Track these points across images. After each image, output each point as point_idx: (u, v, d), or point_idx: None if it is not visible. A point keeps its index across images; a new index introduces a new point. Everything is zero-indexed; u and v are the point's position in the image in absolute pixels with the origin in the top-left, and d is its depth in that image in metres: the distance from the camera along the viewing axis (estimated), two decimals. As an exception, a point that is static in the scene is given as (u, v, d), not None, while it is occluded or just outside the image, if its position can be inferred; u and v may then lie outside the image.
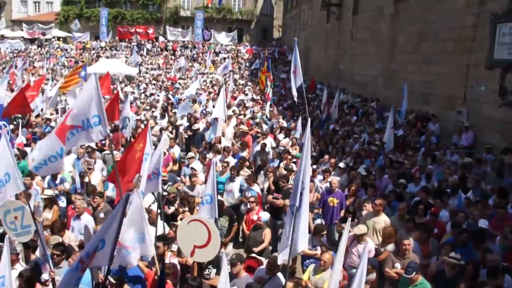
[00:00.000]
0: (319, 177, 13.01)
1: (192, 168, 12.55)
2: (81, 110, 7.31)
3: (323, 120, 20.04)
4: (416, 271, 7.41)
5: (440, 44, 17.98)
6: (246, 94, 30.27)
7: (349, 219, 6.96)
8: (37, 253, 8.44)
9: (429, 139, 15.92)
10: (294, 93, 15.83)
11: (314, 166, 13.54)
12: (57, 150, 7.46)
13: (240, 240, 11.61)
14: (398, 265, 8.38)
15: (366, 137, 17.05)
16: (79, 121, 7.31)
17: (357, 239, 9.03)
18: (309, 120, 7.89)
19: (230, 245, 10.75)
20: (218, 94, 20.23)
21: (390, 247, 8.94)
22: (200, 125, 18.76)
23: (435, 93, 18.28)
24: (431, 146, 15.15)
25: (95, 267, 6.77)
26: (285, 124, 19.62)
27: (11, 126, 16.41)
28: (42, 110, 21.08)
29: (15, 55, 46.67)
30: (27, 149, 14.34)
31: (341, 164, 13.65)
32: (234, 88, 31.17)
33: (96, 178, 12.35)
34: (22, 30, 54.20)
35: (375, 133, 17.08)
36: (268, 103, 22.68)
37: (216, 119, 16.09)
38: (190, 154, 14.53)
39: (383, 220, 9.75)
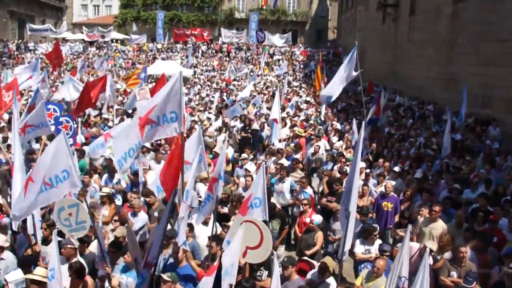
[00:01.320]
0: (373, 181, 12.81)
1: (246, 170, 12.61)
2: (158, 106, 7.40)
3: (369, 120, 19.58)
4: (475, 281, 7.17)
5: (501, 45, 17.38)
6: (300, 96, 30.18)
7: (409, 226, 6.74)
8: (91, 248, 8.70)
9: (489, 144, 15.39)
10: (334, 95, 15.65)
11: (368, 170, 13.35)
12: (136, 143, 7.62)
13: (292, 242, 11.58)
14: (454, 274, 8.15)
15: (422, 141, 16.66)
16: (155, 116, 7.41)
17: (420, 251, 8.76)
18: (364, 123, 7.77)
19: (282, 248, 10.73)
20: (272, 96, 20.26)
21: (447, 255, 8.70)
22: (255, 127, 18.83)
23: (495, 96, 17.67)
24: (491, 151, 14.64)
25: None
26: (339, 127, 19.43)
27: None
28: (101, 110, 21.69)
29: (75, 57, 48.22)
30: (86, 148, 14.80)
31: (396, 168, 13.38)
32: (288, 90, 31.14)
33: (151, 177, 12.58)
34: (82, 33, 55.95)
35: (431, 137, 16.66)
36: (323, 106, 22.53)
37: (275, 120, 16.11)
38: (244, 155, 14.60)
39: (440, 226, 9.48)
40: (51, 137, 13.07)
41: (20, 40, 54.24)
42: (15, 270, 7.75)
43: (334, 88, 15.35)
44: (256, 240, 7.43)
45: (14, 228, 9.19)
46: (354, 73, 14.52)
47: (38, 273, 7.11)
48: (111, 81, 21.60)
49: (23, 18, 56.63)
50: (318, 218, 10.12)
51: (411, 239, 8.76)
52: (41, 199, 7.25)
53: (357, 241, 9.34)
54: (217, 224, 9.49)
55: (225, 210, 10.86)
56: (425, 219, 9.81)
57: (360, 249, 9.25)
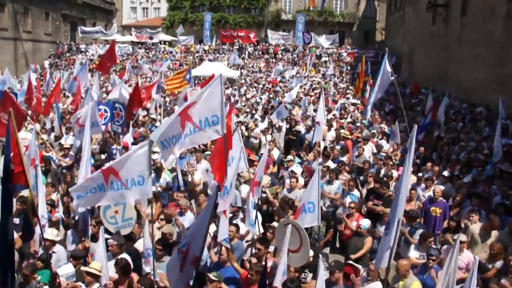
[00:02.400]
0: (422, 185, 12.54)
1: (292, 171, 12.57)
2: (201, 108, 7.44)
3: (424, 125, 19.18)
4: None
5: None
6: (347, 98, 29.89)
7: (460, 234, 6.55)
8: (137, 245, 8.83)
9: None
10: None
11: (420, 174, 13.07)
12: (178, 133, 7.68)
13: (337, 246, 11.46)
14: (504, 281, 7.88)
15: (473, 145, 16.20)
16: (197, 119, 7.44)
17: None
18: (416, 126, 7.60)
19: (327, 250, 10.65)
20: (318, 98, 20.12)
21: (499, 264, 8.42)
22: (301, 128, 18.75)
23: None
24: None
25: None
26: (386, 129, 19.12)
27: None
28: (148, 110, 22.04)
29: (124, 58, 49.22)
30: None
31: (445, 173, 13.05)
32: (334, 92, 30.89)
33: (197, 177, 12.71)
34: (131, 35, 57.07)
35: (483, 141, 16.18)
36: (369, 108, 22.21)
37: (318, 123, 16.01)
38: (289, 157, 14.56)
39: (493, 234, 9.20)
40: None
41: (72, 42, 55.76)
42: (66, 264, 7.99)
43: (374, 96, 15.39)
44: (296, 243, 7.41)
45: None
46: (390, 78, 14.49)
47: (94, 266, 7.33)
48: (158, 82, 21.99)
49: (75, 21, 58.19)
50: (366, 223, 9.97)
51: (462, 248, 8.53)
52: (110, 196, 7.39)
53: (412, 246, 9.21)
54: (260, 224, 9.49)
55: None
56: (476, 225, 9.53)
57: (414, 254, 9.10)
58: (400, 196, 6.55)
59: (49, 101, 19.55)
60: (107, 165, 7.60)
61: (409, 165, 6.38)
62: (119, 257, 7.92)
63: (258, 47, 55.19)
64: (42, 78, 38.07)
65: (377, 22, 62.74)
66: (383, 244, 6.93)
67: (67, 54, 51.38)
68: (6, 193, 6.74)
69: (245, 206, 9.16)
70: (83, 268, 7.54)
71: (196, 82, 30.59)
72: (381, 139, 17.63)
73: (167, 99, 27.95)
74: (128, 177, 7.27)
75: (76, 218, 9.78)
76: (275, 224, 9.29)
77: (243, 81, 39.68)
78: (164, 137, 7.65)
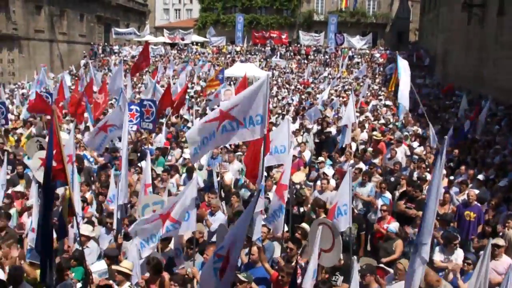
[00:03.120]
0: (455, 188, 12.31)
1: (323, 173, 12.51)
2: (246, 106, 7.43)
3: (465, 131, 18.68)
4: None
5: None
6: (380, 100, 29.58)
7: (497, 238, 6.40)
8: (171, 245, 8.91)
9: None
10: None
11: (452, 177, 12.84)
12: (210, 133, 7.69)
13: (368, 249, 11.36)
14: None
15: (510, 148, 15.84)
16: (241, 117, 7.45)
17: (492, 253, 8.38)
18: (451, 128, 7.43)
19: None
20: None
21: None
22: (332, 130, 18.64)
23: None
24: None
25: None
26: (420, 132, 18.85)
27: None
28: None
29: (157, 59, 49.75)
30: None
31: (480, 176, 12.77)
32: (367, 94, 30.61)
33: (228, 178, 12.76)
34: (163, 36, 57.64)
35: (520, 144, 15.83)
36: (401, 110, 21.92)
37: (346, 125, 15.91)
38: (320, 158, 14.48)
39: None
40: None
41: (106, 43, 56.62)
42: (99, 261, 8.12)
43: (404, 96, 15.23)
44: (329, 243, 7.36)
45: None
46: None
47: (126, 265, 7.42)
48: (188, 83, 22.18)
49: (109, 22, 59.09)
50: (393, 226, 9.86)
51: (499, 253, 8.35)
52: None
53: (437, 249, 9.03)
54: (285, 224, 9.46)
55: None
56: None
57: (439, 257, 8.93)
58: (431, 198, 6.40)
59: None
60: (164, 211, 7.82)
61: (441, 167, 6.25)
62: (151, 256, 8.02)
63: (290, 48, 55.11)
64: (77, 78, 38.72)
65: (411, 22, 61.95)
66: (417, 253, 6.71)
67: (101, 55, 52.17)
68: (48, 190, 6.87)
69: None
70: (114, 267, 7.63)
71: (229, 83, 30.75)
72: (413, 141, 17.39)
73: (199, 99, 28.12)
74: (178, 213, 7.62)
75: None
76: (304, 225, 9.25)
77: (274, 82, 39.63)
78: (197, 143, 7.74)
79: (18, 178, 12.33)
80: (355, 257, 6.86)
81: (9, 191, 11.39)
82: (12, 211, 10.46)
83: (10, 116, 19.90)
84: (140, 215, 8.93)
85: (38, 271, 7.31)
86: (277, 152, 9.62)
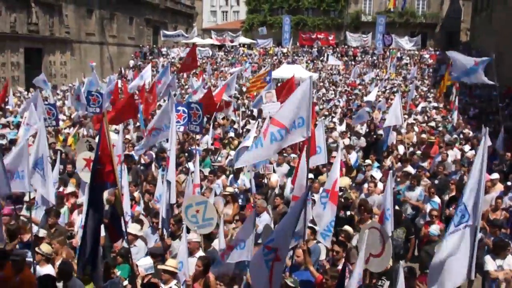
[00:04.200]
0: (510, 194, 11.87)
1: (371, 176, 12.32)
2: (290, 111, 7.39)
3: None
4: None
5: None
6: (429, 102, 28.99)
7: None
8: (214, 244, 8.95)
9: None
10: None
11: (510, 183, 12.40)
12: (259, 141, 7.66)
13: (416, 254, 11.11)
14: None
15: None
16: (287, 123, 7.40)
17: None
18: (502, 130, 7.20)
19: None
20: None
21: None
22: (381, 132, 18.33)
23: None
24: None
25: None
26: (471, 134, 18.34)
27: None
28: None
29: (204, 61, 50.28)
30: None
31: (535, 181, 12.33)
32: (416, 95, 30.05)
33: (274, 179, 12.73)
34: (211, 38, 58.16)
35: None
36: (455, 112, 21.41)
37: (389, 127, 15.63)
38: (368, 161, 14.28)
39: None
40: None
41: (154, 46, 57.58)
42: (145, 257, 8.24)
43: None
44: (378, 248, 7.23)
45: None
46: None
47: (171, 264, 7.51)
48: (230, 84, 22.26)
49: (158, 25, 60.06)
50: (435, 228, 9.59)
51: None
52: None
53: (488, 257, 8.74)
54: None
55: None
56: None
57: (492, 266, 8.64)
58: (476, 201, 6.19)
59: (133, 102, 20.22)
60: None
61: (483, 168, 6.04)
62: (197, 254, 8.08)
63: (337, 49, 54.70)
64: (125, 79, 39.56)
65: (462, 22, 60.36)
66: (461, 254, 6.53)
67: (149, 57, 53.09)
68: (94, 190, 7.01)
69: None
70: (160, 266, 7.72)
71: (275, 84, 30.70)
72: (464, 144, 16.93)
73: (246, 101, 28.24)
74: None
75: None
76: (347, 228, 9.14)
77: (321, 83, 39.40)
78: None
79: (69, 177, 12.63)
80: (401, 262, 6.73)
81: (61, 189, 11.70)
82: (63, 209, 10.71)
83: (61, 116, 20.48)
84: (183, 214, 9.01)
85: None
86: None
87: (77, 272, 7.23)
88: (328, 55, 48.40)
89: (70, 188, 11.69)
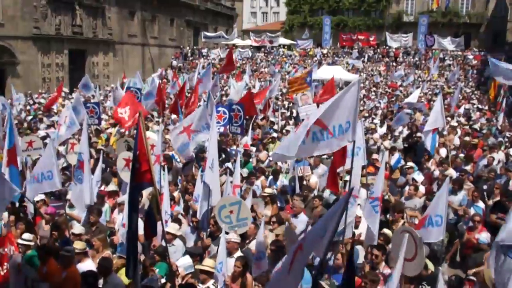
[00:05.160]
0: None
1: (413, 179, 12.10)
2: (336, 113, 7.28)
3: None
4: None
5: None
6: (473, 104, 28.33)
7: None
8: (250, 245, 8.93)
9: None
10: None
11: None
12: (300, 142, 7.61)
13: (458, 260, 10.84)
14: None
15: None
16: (331, 125, 7.29)
17: None
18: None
19: (445, 264, 10.11)
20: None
21: None
22: (422, 135, 17.98)
23: None
24: None
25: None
26: (517, 138, 17.84)
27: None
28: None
29: (244, 62, 50.45)
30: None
31: None
32: (459, 97, 29.41)
33: (313, 181, 12.65)
34: (251, 39, 58.34)
35: None
36: (501, 114, 20.83)
37: (433, 130, 15.29)
38: (410, 164, 14.02)
39: None
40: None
41: (195, 47, 58.13)
42: (184, 256, 8.29)
43: None
44: (411, 252, 7.10)
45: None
46: None
47: (207, 264, 7.54)
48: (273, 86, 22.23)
49: (198, 26, 60.63)
50: (484, 237, 9.33)
51: None
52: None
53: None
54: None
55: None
56: None
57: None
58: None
59: (175, 103, 20.45)
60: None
61: None
62: (235, 255, 8.09)
63: (378, 50, 54.04)
64: (164, 80, 40.03)
65: (508, 21, 58.58)
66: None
67: (190, 58, 53.63)
68: (134, 191, 7.09)
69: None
70: (197, 266, 7.76)
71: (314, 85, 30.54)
72: (510, 147, 16.45)
73: (285, 102, 28.18)
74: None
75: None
76: (386, 231, 8.99)
77: (362, 85, 39.00)
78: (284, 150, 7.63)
79: (111, 176, 12.83)
80: (442, 267, 6.58)
81: (102, 188, 11.91)
82: (105, 207, 10.89)
83: (103, 116, 20.86)
84: (216, 215, 9.05)
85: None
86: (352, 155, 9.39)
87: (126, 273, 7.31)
88: (357, 57, 47.72)
89: (111, 187, 11.87)
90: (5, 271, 8.54)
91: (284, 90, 31.71)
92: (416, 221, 9.83)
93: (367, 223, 8.54)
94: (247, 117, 19.12)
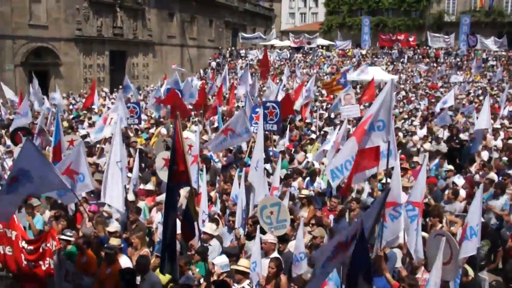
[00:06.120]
0: None
1: (453, 183, 11.86)
2: (372, 113, 7.22)
3: None
4: None
5: None
6: (517, 106, 27.50)
7: None
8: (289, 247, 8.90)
9: None
10: None
11: None
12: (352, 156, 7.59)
13: (500, 266, 10.57)
14: None
15: None
16: (366, 125, 7.24)
17: None
18: None
19: (485, 271, 9.87)
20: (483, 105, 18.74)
21: None
22: (464, 137, 17.62)
23: None
24: None
25: None
26: None
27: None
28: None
29: (282, 63, 50.38)
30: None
31: None
32: (504, 99, 28.63)
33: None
34: (289, 40, 58.24)
35: None
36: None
37: (479, 131, 14.96)
38: (449, 167, 13.75)
39: None
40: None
41: (233, 48, 58.39)
42: (221, 255, 8.34)
43: None
44: (446, 256, 6.96)
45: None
46: None
47: (242, 264, 7.56)
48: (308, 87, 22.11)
49: (236, 27, 60.92)
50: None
51: None
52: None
53: None
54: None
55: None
56: None
57: None
58: None
59: (214, 104, 20.60)
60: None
61: None
62: (272, 255, 8.08)
63: (418, 50, 53.16)
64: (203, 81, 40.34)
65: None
66: None
67: (228, 59, 53.90)
68: (171, 191, 7.16)
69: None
70: (232, 266, 7.78)
71: (353, 86, 30.29)
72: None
73: (323, 104, 28.01)
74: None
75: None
76: (424, 234, 8.83)
77: (402, 86, 38.42)
78: (335, 165, 7.60)
79: (150, 175, 12.98)
80: (483, 273, 6.42)
81: (141, 187, 12.06)
82: (142, 205, 11.01)
83: (143, 116, 21.14)
84: (258, 215, 9.07)
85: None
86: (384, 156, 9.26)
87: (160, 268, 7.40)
88: (397, 57, 46.76)
89: (149, 186, 12.01)
90: (47, 265, 8.84)
91: (324, 92, 31.47)
92: (456, 227, 9.64)
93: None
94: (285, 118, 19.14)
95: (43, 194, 9.50)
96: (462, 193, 11.64)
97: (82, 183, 9.58)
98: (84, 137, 16.18)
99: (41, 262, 8.96)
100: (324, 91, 31.31)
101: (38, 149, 8.31)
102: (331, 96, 25.17)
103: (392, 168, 8.67)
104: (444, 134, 18.51)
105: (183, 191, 10.11)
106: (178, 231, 7.91)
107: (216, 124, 19.11)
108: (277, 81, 34.55)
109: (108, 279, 7.74)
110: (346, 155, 7.67)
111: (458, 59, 48.91)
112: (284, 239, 8.93)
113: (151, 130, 19.40)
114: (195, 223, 7.73)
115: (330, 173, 7.91)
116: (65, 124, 19.56)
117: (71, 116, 23.62)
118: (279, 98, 20.13)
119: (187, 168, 7.14)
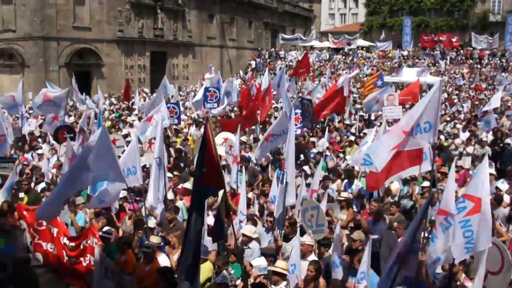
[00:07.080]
0: None
1: (496, 188, 11.51)
2: (417, 114, 7.08)
3: None
4: None
5: None
6: None
7: None
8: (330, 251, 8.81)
9: None
10: None
11: None
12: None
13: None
14: None
15: None
16: (408, 127, 7.09)
17: None
18: None
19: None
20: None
21: None
22: (510, 141, 17.09)
23: None
24: None
25: None
26: None
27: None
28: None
29: (321, 64, 50.07)
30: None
31: None
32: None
33: (395, 187, 12.30)
34: (329, 41, 57.87)
35: None
36: None
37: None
38: (492, 171, 13.33)
39: None
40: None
41: (272, 49, 58.37)
42: (260, 257, 8.31)
43: None
44: (497, 265, 6.71)
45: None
46: None
47: (280, 265, 7.51)
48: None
49: (276, 28, 60.90)
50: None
51: None
52: None
53: None
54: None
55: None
56: None
57: None
58: None
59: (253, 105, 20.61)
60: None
61: None
62: (309, 258, 8.00)
63: (461, 51, 52.00)
64: (243, 82, 40.44)
65: None
66: None
67: (268, 60, 53.90)
68: (199, 195, 7.12)
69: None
70: (269, 267, 7.74)
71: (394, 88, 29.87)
72: None
73: (359, 106, 27.69)
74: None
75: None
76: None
77: (443, 88, 37.59)
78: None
79: (189, 175, 13.06)
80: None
81: (179, 186, 12.15)
82: (180, 204, 11.07)
83: (183, 116, 21.31)
84: (302, 218, 9.03)
85: (201, 265, 7.68)
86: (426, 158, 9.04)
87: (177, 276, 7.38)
88: (440, 58, 45.81)
89: (187, 185, 12.08)
90: (88, 261, 9.01)
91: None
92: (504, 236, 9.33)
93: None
94: (321, 119, 19.02)
95: (99, 182, 9.63)
96: (506, 198, 11.28)
97: (134, 176, 9.71)
98: (125, 136, 16.42)
99: (82, 259, 9.16)
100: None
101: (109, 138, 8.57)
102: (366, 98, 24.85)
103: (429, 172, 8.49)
104: (488, 137, 17.99)
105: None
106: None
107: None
108: (316, 82, 34.39)
109: (147, 277, 7.82)
110: (387, 148, 7.46)
111: (503, 60, 47.63)
112: (324, 244, 8.85)
113: (185, 130, 19.58)
114: (231, 223, 7.71)
115: (364, 156, 7.71)
116: (108, 123, 19.87)
117: (112, 115, 24.01)
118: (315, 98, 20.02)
119: (219, 171, 7.06)
